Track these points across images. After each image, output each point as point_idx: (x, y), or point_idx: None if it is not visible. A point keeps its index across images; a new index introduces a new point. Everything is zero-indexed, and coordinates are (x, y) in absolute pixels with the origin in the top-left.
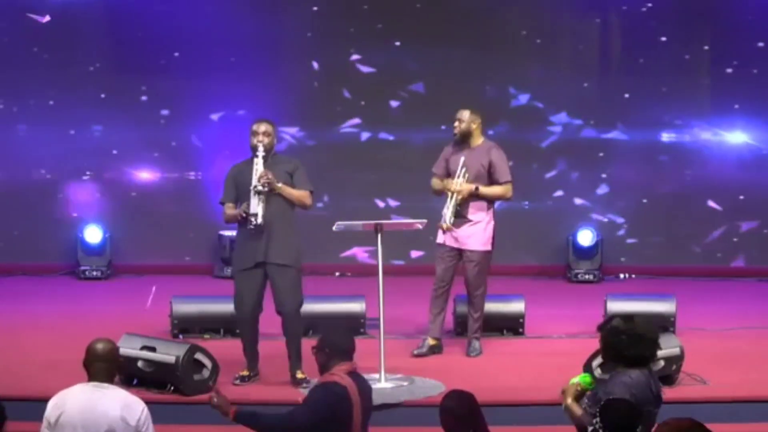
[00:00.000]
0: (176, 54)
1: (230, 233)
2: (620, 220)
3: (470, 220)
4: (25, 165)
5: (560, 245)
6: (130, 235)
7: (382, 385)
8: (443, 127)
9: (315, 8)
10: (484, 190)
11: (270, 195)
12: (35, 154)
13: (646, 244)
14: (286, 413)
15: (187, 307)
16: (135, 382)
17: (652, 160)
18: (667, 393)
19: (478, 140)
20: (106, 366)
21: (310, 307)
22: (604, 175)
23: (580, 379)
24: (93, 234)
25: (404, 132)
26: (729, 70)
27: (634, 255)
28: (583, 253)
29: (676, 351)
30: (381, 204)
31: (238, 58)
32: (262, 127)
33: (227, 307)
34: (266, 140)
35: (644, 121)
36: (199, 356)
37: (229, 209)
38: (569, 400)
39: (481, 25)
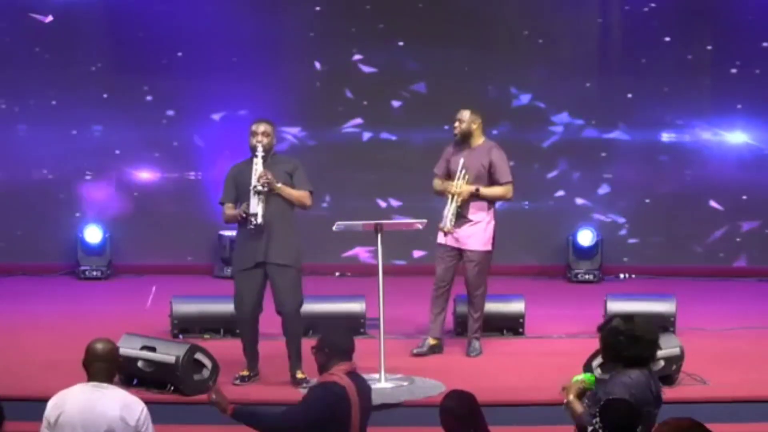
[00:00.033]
0: (178, 54)
1: (230, 233)
2: (621, 220)
3: (470, 220)
4: (27, 165)
5: (560, 245)
6: (130, 235)
7: (382, 385)
8: (446, 127)
9: (317, 8)
10: (485, 191)
11: (269, 195)
12: (37, 155)
13: (648, 244)
14: (283, 411)
15: (187, 307)
16: (135, 382)
17: (653, 160)
18: (667, 393)
19: (478, 140)
20: (106, 366)
21: (310, 307)
22: (608, 176)
23: (584, 377)
24: (93, 234)
25: (406, 132)
26: (734, 71)
27: (636, 255)
28: (583, 253)
29: (676, 351)
30: (383, 204)
31: (240, 58)
32: (262, 128)
33: (227, 307)
34: (265, 140)
35: (646, 121)
36: (199, 356)
37: (229, 209)
38: (571, 397)
39: (482, 25)
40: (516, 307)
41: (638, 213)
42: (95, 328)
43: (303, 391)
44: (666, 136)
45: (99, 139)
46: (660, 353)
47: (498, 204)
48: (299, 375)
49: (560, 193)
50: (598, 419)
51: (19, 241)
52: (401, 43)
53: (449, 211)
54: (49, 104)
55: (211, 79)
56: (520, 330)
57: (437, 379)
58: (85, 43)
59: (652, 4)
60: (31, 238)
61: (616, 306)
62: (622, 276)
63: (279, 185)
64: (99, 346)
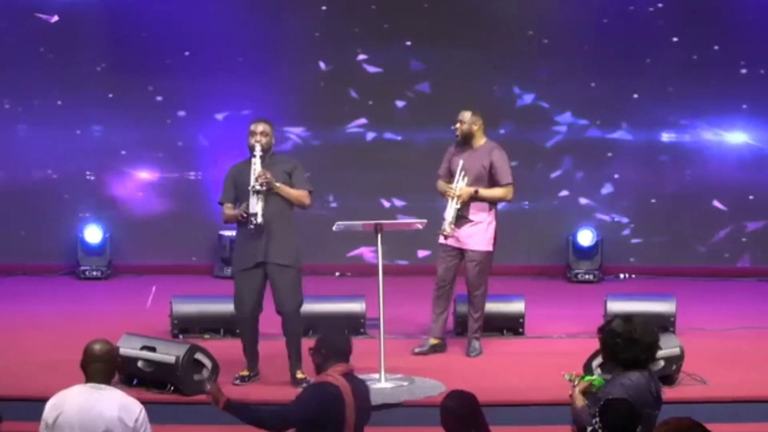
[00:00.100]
0: (185, 54)
1: (230, 233)
2: (625, 219)
3: (471, 221)
4: (31, 165)
5: (560, 245)
6: (130, 235)
7: (382, 385)
8: (453, 127)
9: (324, 8)
10: (484, 192)
11: (269, 195)
12: (41, 155)
13: (651, 244)
14: (276, 408)
15: (187, 307)
16: (135, 382)
17: (657, 160)
18: (667, 393)
19: (480, 141)
20: (104, 367)
21: (310, 307)
22: (617, 176)
23: (594, 380)
24: (93, 234)
25: (410, 132)
26: (743, 71)
27: (640, 255)
28: (583, 253)
29: (676, 351)
30: (386, 204)
31: (245, 58)
32: (260, 127)
33: (227, 307)
34: (264, 140)
35: (649, 121)
36: (199, 356)
37: (228, 209)
38: (576, 391)
39: (487, 25)
40: (516, 307)
41: (642, 213)
42: (95, 328)
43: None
44: (670, 137)
45: (104, 139)
46: (660, 353)
47: (500, 204)
48: (299, 375)
49: (564, 192)
50: (597, 419)
51: (19, 241)
52: (409, 43)
53: (449, 213)
54: (54, 104)
55: (216, 79)
56: (520, 330)
57: (437, 379)
58: (90, 43)
59: (659, 5)
60: (31, 238)
61: (616, 306)
62: (622, 276)
63: (278, 185)
64: (97, 347)
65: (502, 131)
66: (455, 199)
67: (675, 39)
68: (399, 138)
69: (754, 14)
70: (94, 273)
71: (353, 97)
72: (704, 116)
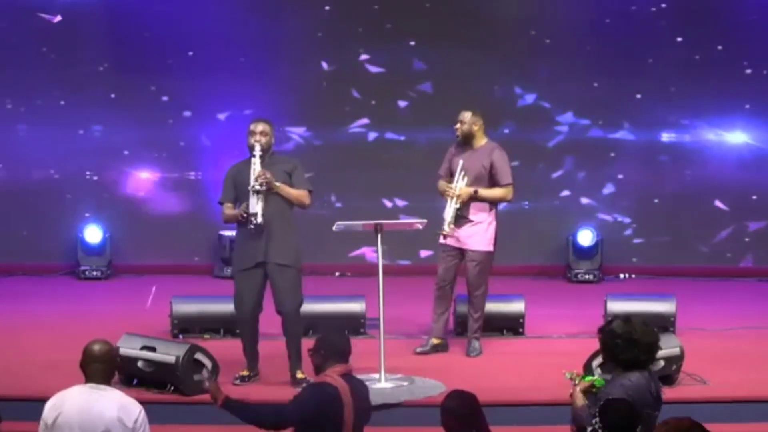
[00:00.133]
0: (186, 54)
1: (230, 233)
2: (627, 219)
3: (471, 221)
4: (34, 165)
5: (560, 245)
6: (130, 235)
7: (382, 385)
8: (453, 128)
9: (327, 8)
10: (484, 192)
11: (268, 194)
12: (44, 155)
13: (653, 244)
14: (273, 407)
15: (187, 307)
16: (135, 382)
17: (659, 161)
18: (667, 393)
19: (480, 141)
20: (103, 367)
21: (310, 307)
22: (621, 176)
23: (596, 381)
24: (93, 234)
25: (412, 132)
26: (748, 71)
27: (641, 255)
28: (583, 253)
29: (676, 351)
30: (388, 204)
31: (247, 58)
32: (260, 127)
33: (227, 307)
34: (263, 140)
35: (651, 121)
36: (199, 356)
37: (228, 209)
38: (578, 389)
39: (489, 25)
40: (516, 307)
41: (644, 213)
42: (95, 328)
43: None
44: (672, 137)
45: (107, 139)
46: (660, 353)
47: (500, 204)
48: (299, 375)
49: (565, 192)
50: (597, 419)
51: (20, 241)
52: (412, 43)
53: (448, 213)
54: (56, 104)
55: (218, 79)
56: (520, 330)
57: (437, 379)
58: (92, 44)
59: (662, 5)
60: (31, 238)
61: (616, 306)
62: (622, 276)
63: (278, 184)
64: (96, 347)
65: (506, 131)
66: (455, 199)
67: (679, 39)
68: (401, 138)
69: (756, 14)
70: (94, 273)
71: (355, 97)
72: (706, 116)
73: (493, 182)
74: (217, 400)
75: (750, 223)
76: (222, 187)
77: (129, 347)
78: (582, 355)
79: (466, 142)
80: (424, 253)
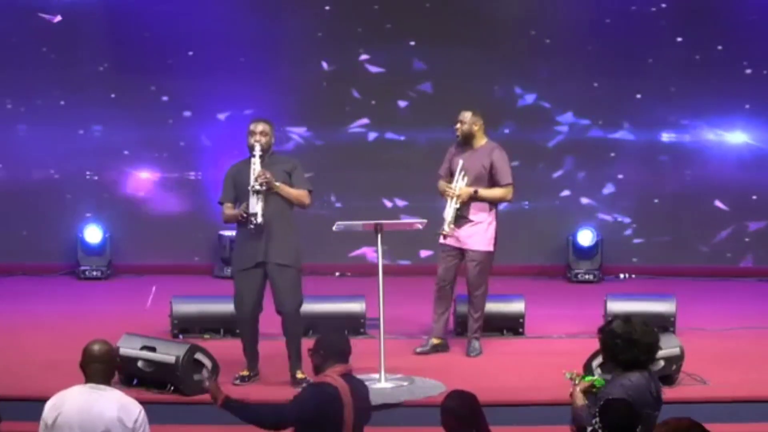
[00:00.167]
0: (187, 54)
1: (230, 233)
2: (627, 219)
3: (471, 221)
4: (33, 165)
5: (560, 245)
6: (130, 235)
7: (382, 385)
8: (454, 128)
9: (327, 8)
10: (483, 192)
11: (268, 194)
12: (43, 155)
13: (653, 244)
14: (273, 407)
15: (187, 307)
16: (135, 382)
17: (659, 161)
18: (667, 393)
19: (480, 141)
20: (103, 367)
21: (310, 307)
22: (621, 176)
23: (596, 381)
24: (93, 234)
25: (412, 132)
26: (748, 71)
27: (641, 255)
28: (583, 253)
29: (676, 351)
30: (389, 204)
31: (247, 58)
32: (260, 127)
33: (227, 307)
34: (263, 140)
35: (651, 121)
36: (199, 356)
37: (228, 209)
38: (577, 389)
39: (489, 24)
40: (516, 307)
41: (644, 213)
42: (95, 328)
43: None
44: (672, 137)
45: (107, 139)
46: (660, 353)
47: (500, 204)
48: (299, 375)
49: (565, 192)
50: (597, 419)
51: (21, 241)
52: (413, 43)
53: (448, 213)
54: (56, 104)
55: (218, 79)
56: (520, 330)
57: (437, 379)
58: (92, 44)
59: (662, 5)
60: (33, 238)
61: (616, 306)
62: (622, 276)
63: (278, 184)
64: (96, 347)
65: (506, 131)
66: (454, 199)
67: (679, 39)
68: (401, 138)
69: (756, 14)
70: (94, 273)
71: (355, 97)
72: (706, 116)
73: (493, 182)
74: (217, 400)
75: (750, 223)
76: (222, 187)
77: (129, 347)
78: (582, 355)
79: (466, 142)
80: (424, 253)
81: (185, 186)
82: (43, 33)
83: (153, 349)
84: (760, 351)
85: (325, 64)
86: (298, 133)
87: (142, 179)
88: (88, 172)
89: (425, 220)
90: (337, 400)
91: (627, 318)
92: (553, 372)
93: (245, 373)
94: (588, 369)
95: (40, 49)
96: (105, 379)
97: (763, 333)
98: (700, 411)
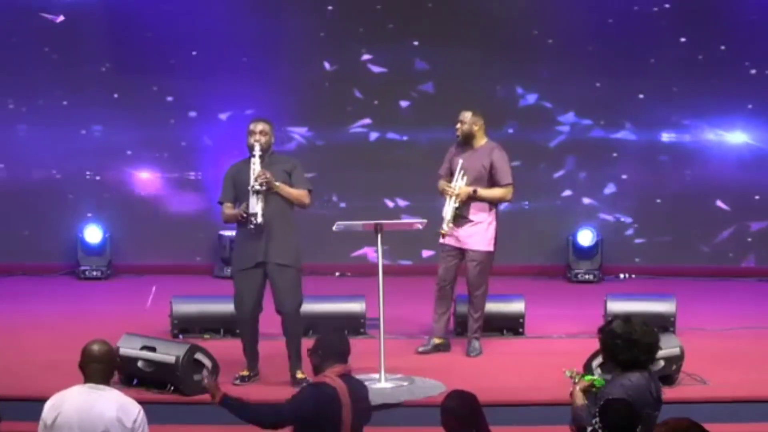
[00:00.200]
0: (189, 54)
1: (230, 233)
2: (628, 219)
3: (471, 221)
4: (35, 165)
5: (560, 245)
6: (130, 235)
7: (382, 385)
8: (456, 127)
9: (330, 8)
10: (483, 192)
11: (268, 194)
12: (45, 155)
13: (655, 244)
14: (271, 406)
15: (187, 307)
16: (135, 382)
17: (661, 161)
18: (667, 393)
19: (481, 141)
20: (102, 367)
21: (310, 307)
22: (625, 176)
23: (596, 381)
24: (93, 234)
25: (414, 132)
26: (753, 71)
27: (642, 255)
28: (583, 253)
29: (676, 351)
30: (390, 204)
31: (249, 58)
32: (259, 126)
33: (227, 307)
34: (263, 139)
35: (653, 122)
36: (199, 356)
37: (228, 209)
38: (577, 388)
39: (492, 24)
40: (516, 307)
41: (646, 213)
42: (95, 328)
43: None
44: (674, 137)
45: (109, 140)
46: (660, 353)
47: (502, 205)
48: (299, 375)
49: (567, 192)
50: (597, 419)
51: (21, 241)
52: (415, 43)
53: (447, 212)
54: (57, 104)
55: (219, 79)
56: (520, 330)
57: (437, 379)
58: (94, 44)
59: (665, 5)
60: (33, 238)
61: (616, 306)
62: (622, 276)
63: (278, 184)
64: (95, 347)
65: (509, 131)
66: (453, 198)
67: (683, 39)
68: (402, 138)
69: (757, 14)
70: (94, 273)
71: (357, 97)
72: (707, 116)
73: (492, 182)
74: (215, 397)
75: (752, 223)
76: (222, 187)
77: (129, 347)
78: (582, 355)
79: (466, 142)
80: (426, 253)
81: (186, 186)
82: (44, 33)
83: (153, 349)
84: (760, 351)
85: (327, 64)
86: (299, 133)
87: (143, 179)
88: (88, 172)
89: (425, 220)
90: (335, 401)
91: (627, 318)
92: (553, 372)
93: (245, 373)
94: (588, 369)
95: (41, 49)
96: (104, 379)
97: (763, 333)
98: (700, 411)
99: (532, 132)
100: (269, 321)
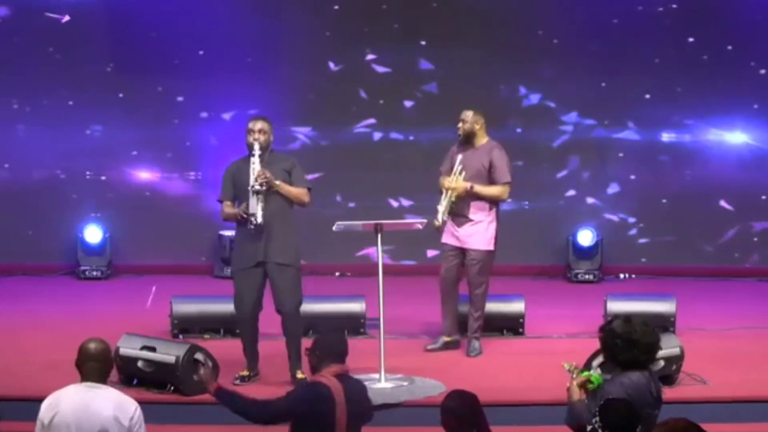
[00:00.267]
0: (193, 54)
1: (230, 233)
2: (632, 219)
3: (471, 220)
4: (39, 165)
5: (560, 245)
6: (130, 235)
7: (382, 385)
8: (458, 126)
9: (336, 7)
10: (479, 188)
11: (268, 194)
12: (49, 154)
13: (658, 244)
14: (264, 401)
15: (187, 307)
16: (135, 382)
17: (664, 161)
18: (667, 393)
19: (481, 140)
20: (99, 366)
21: (310, 307)
22: (633, 177)
23: (593, 377)
24: (93, 234)
25: (417, 132)
26: (762, 72)
27: (645, 255)
28: (583, 253)
29: (676, 351)
30: (394, 204)
31: (253, 57)
32: (258, 125)
33: (227, 307)
34: (262, 138)
35: (657, 122)
36: (199, 356)
37: (227, 207)
38: (575, 383)
39: (496, 24)
40: (516, 307)
41: (649, 213)
42: (95, 328)
43: None
44: (678, 137)
45: (113, 140)
46: (660, 353)
47: (503, 204)
48: (299, 375)
49: (570, 192)
50: (597, 419)
51: (21, 241)
52: (423, 43)
53: (442, 205)
54: (61, 104)
55: (224, 79)
56: (520, 330)
57: (437, 379)
58: (98, 44)
59: (672, 5)
60: (34, 238)
61: (616, 306)
62: (622, 276)
63: (278, 183)
64: (92, 345)
65: (510, 131)
66: (449, 191)
67: (690, 39)
68: (407, 138)
69: (763, 14)
70: (94, 273)
71: (362, 97)
72: (711, 116)
73: (491, 181)
74: (209, 387)
75: (756, 224)
76: (221, 185)
77: (129, 347)
78: (582, 355)
79: (467, 140)
80: (430, 253)
81: (186, 186)
82: (49, 33)
83: (153, 349)
84: (760, 351)
85: (332, 64)
86: (303, 132)
87: (143, 179)
88: (88, 172)
89: (425, 220)
90: (329, 400)
91: (627, 318)
92: (553, 372)
93: (245, 373)
94: (588, 369)
95: (46, 49)
96: (101, 378)
97: (764, 333)
98: (700, 411)
99: (536, 132)
100: (269, 321)
